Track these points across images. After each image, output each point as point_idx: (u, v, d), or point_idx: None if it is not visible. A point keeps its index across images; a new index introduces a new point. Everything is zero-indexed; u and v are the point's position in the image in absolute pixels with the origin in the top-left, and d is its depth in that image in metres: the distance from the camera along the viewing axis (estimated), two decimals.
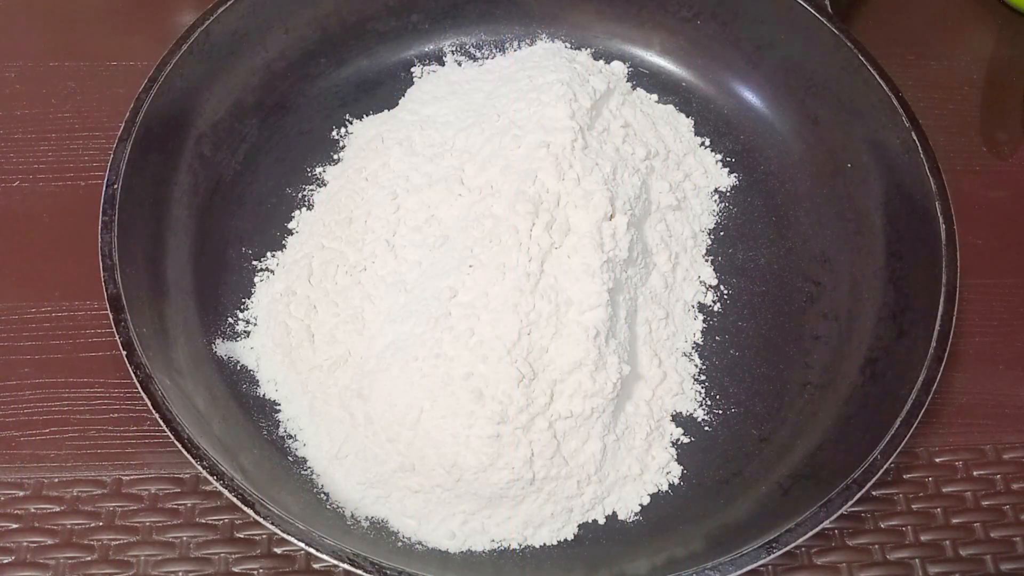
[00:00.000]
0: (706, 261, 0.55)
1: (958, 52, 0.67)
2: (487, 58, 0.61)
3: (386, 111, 0.58)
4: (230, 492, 0.40)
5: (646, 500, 0.47)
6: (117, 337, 0.43)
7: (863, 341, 0.51)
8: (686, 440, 0.49)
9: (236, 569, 0.46)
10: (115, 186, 0.47)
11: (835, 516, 0.42)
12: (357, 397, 0.46)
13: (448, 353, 0.44)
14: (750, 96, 0.61)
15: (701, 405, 0.50)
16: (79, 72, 0.61)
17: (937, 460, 0.51)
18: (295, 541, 0.39)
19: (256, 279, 0.52)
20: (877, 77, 0.54)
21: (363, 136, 0.57)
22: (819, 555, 0.48)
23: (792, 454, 0.49)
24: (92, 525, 0.47)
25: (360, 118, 0.58)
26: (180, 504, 0.47)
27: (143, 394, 0.42)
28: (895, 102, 0.53)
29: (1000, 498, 0.50)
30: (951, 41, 0.68)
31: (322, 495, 0.46)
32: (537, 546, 0.46)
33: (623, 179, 0.51)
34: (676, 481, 0.48)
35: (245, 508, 0.40)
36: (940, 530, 0.49)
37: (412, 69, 0.61)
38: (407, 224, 0.51)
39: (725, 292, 0.54)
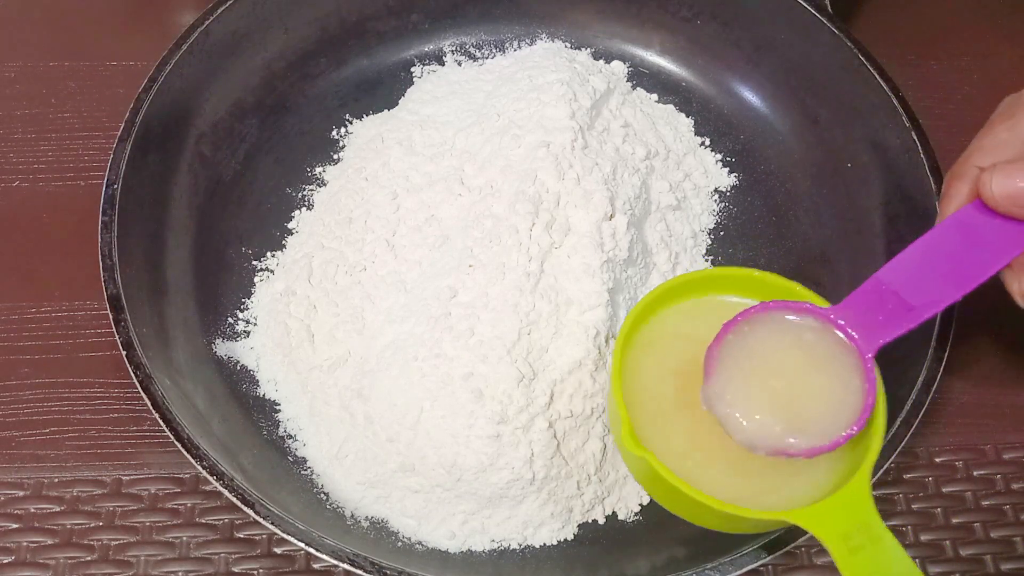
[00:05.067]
0: (706, 261, 0.55)
1: (958, 52, 0.67)
2: (487, 58, 0.61)
3: (386, 111, 0.58)
4: (230, 492, 0.40)
5: (646, 500, 0.47)
6: (117, 337, 0.43)
7: None
8: None
9: (236, 569, 0.46)
10: (115, 186, 0.47)
11: None
12: (357, 397, 0.46)
13: (448, 353, 0.44)
14: (750, 96, 0.61)
15: None
16: (79, 72, 0.61)
17: (937, 460, 0.51)
18: (295, 541, 0.39)
19: (256, 279, 0.52)
20: (877, 77, 0.54)
21: (363, 136, 0.57)
22: (819, 555, 0.48)
23: None
24: (92, 525, 0.47)
25: (360, 118, 0.58)
26: (180, 504, 0.47)
27: (143, 394, 0.42)
28: (895, 102, 0.53)
29: (1000, 498, 0.50)
30: (951, 41, 0.68)
31: (322, 495, 0.46)
32: (537, 546, 0.46)
33: (623, 179, 0.51)
34: None
35: (245, 508, 0.40)
36: (940, 530, 0.49)
37: (412, 69, 0.61)
38: (407, 224, 0.51)
39: None
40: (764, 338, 0.39)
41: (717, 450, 0.38)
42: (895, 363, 0.48)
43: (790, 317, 0.39)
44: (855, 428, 0.37)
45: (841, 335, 0.39)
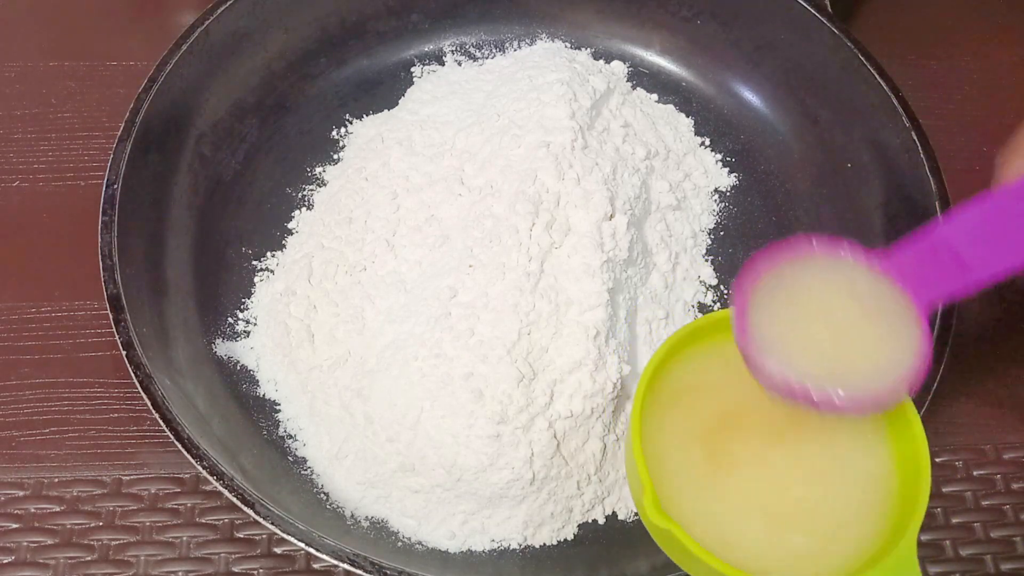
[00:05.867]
0: (706, 261, 0.55)
1: (958, 52, 0.67)
2: (487, 58, 0.61)
3: (386, 111, 0.58)
4: (230, 492, 0.40)
5: None
6: (117, 337, 0.43)
7: None
8: None
9: (236, 569, 0.46)
10: (115, 186, 0.47)
11: None
12: (357, 397, 0.46)
13: (448, 353, 0.44)
14: (750, 96, 0.61)
15: None
16: (79, 72, 0.61)
17: (937, 460, 0.51)
18: (295, 541, 0.39)
19: (256, 279, 0.52)
20: (877, 77, 0.54)
21: (363, 136, 0.57)
22: None
23: None
24: (92, 525, 0.47)
25: (360, 118, 0.58)
26: (180, 504, 0.47)
27: (143, 394, 0.42)
28: (895, 102, 0.53)
29: (1000, 498, 0.50)
30: (951, 41, 0.68)
31: (322, 495, 0.46)
32: (537, 546, 0.46)
33: (623, 179, 0.51)
34: None
35: (245, 508, 0.40)
36: (940, 530, 0.49)
37: (412, 69, 0.61)
38: (407, 224, 0.51)
39: (725, 292, 0.54)
40: (809, 281, 0.35)
41: (750, 513, 0.35)
42: None
43: (838, 260, 0.36)
44: (908, 385, 0.34)
45: (894, 284, 0.36)
